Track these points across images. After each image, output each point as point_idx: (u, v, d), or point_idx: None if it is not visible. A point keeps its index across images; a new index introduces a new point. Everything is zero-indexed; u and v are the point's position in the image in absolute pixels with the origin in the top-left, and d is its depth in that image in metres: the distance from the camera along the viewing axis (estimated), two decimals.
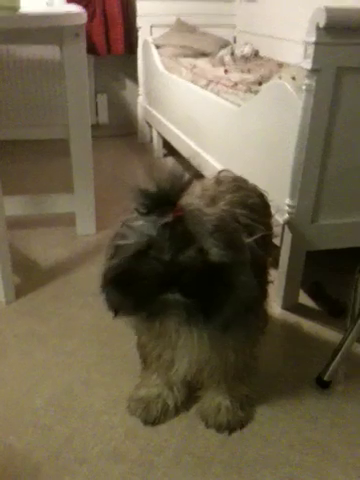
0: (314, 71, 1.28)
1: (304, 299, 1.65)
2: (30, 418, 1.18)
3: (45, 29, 1.65)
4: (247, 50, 2.65)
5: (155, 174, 0.85)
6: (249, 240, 0.95)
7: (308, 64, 1.27)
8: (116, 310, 0.93)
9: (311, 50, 1.26)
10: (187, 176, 0.86)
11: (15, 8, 1.50)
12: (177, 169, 0.86)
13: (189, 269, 0.81)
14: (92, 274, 1.72)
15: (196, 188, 1.22)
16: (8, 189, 1.65)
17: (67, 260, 1.89)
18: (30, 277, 1.77)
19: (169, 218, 0.82)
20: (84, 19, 1.70)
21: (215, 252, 0.83)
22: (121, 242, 0.87)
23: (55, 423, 1.17)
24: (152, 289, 0.83)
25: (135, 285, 0.85)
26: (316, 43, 1.24)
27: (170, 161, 3.07)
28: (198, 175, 1.56)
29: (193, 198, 0.95)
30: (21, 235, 2.05)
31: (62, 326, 1.51)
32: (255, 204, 1.17)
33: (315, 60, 1.26)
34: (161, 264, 0.81)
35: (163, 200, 0.82)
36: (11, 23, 1.48)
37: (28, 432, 1.14)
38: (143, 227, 0.84)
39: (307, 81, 1.30)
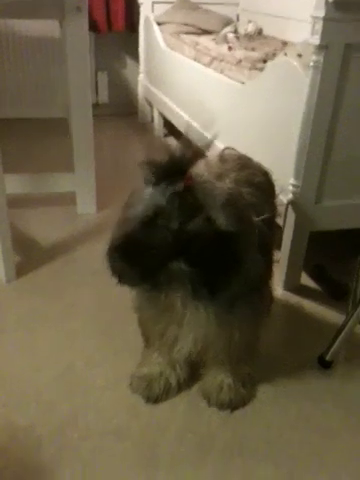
0: (322, 47, 1.25)
1: (306, 281, 1.65)
2: (33, 395, 1.18)
3: (46, 1, 1.61)
4: (251, 28, 2.60)
5: (165, 146, 0.84)
6: (257, 219, 0.94)
7: (316, 40, 1.25)
8: (120, 277, 0.92)
9: (319, 26, 1.23)
10: (197, 146, 0.84)
11: None
12: (187, 139, 0.85)
13: (197, 238, 0.80)
14: (93, 253, 1.70)
15: (200, 165, 1.20)
16: (8, 167, 1.62)
17: (68, 239, 1.88)
18: (30, 256, 1.76)
19: (179, 187, 0.81)
20: None
21: (223, 223, 0.82)
22: (130, 208, 0.86)
23: (58, 400, 1.17)
24: (159, 257, 0.83)
25: (141, 253, 0.84)
26: (324, 18, 1.22)
27: (171, 141, 3.04)
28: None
29: (203, 170, 0.93)
30: (21, 214, 2.03)
31: (63, 305, 1.50)
32: (261, 183, 1.15)
33: (323, 36, 1.23)
34: (169, 232, 0.81)
35: (173, 169, 0.81)
36: None
37: (31, 408, 1.14)
38: (152, 196, 0.83)
39: (314, 57, 1.27)
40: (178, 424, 1.12)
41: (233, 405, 1.14)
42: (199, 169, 1.06)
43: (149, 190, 0.84)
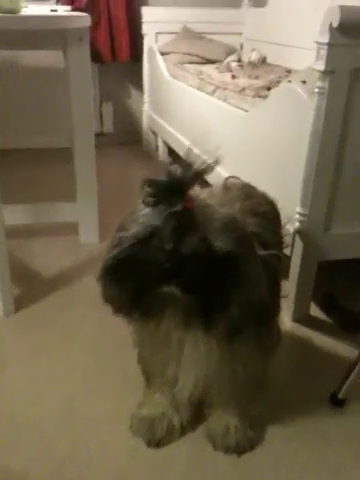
0: (327, 73, 1.22)
1: (316, 312, 1.58)
2: (29, 434, 1.12)
3: (48, 32, 1.62)
4: (255, 56, 2.61)
5: (165, 165, 0.80)
6: (264, 253, 0.89)
7: (321, 66, 1.22)
8: (112, 304, 0.87)
9: (324, 51, 1.21)
10: (199, 165, 0.80)
11: (15, 10, 1.46)
12: (189, 158, 0.81)
13: (191, 259, 0.75)
14: (95, 284, 1.65)
15: (202, 195, 1.17)
16: (10, 198, 1.60)
17: (70, 270, 1.83)
18: (31, 288, 1.71)
19: (177, 208, 0.76)
20: (88, 22, 1.65)
21: (222, 245, 0.78)
22: (123, 233, 0.82)
23: (55, 440, 1.10)
24: (150, 279, 0.78)
25: (132, 276, 0.79)
26: (329, 44, 1.19)
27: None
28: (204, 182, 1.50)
29: (205, 195, 0.89)
30: (23, 244, 1.99)
31: (63, 338, 1.45)
32: (266, 212, 1.11)
33: (328, 61, 1.21)
34: (162, 252, 0.76)
35: (173, 189, 0.77)
36: (14, 24, 1.44)
37: (25, 450, 1.08)
38: (148, 217, 0.79)
39: (320, 83, 1.24)
40: (182, 468, 1.04)
41: (240, 449, 1.07)
42: (200, 194, 1.03)
43: (145, 211, 0.80)
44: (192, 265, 0.76)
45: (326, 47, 1.20)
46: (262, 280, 0.84)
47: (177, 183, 0.77)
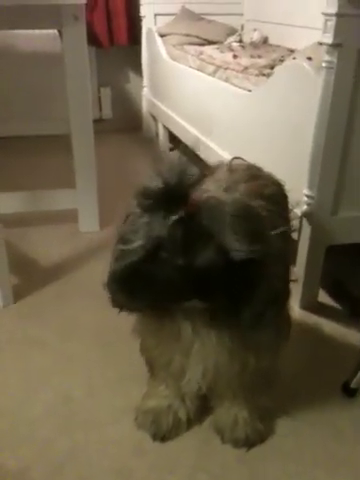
0: (335, 46, 1.16)
1: (324, 298, 1.53)
2: (26, 431, 1.07)
3: (42, 9, 1.56)
4: (256, 36, 2.53)
5: (161, 167, 0.73)
6: (272, 233, 0.84)
7: (329, 38, 1.16)
8: (123, 308, 0.83)
9: (332, 23, 1.14)
10: (197, 169, 0.74)
11: None
12: (185, 160, 0.74)
13: (208, 273, 0.69)
14: (96, 273, 1.58)
15: (206, 193, 1.11)
16: (8, 185, 1.55)
17: (69, 258, 1.78)
18: (30, 277, 1.66)
19: (181, 214, 0.69)
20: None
21: (237, 247, 0.71)
22: (128, 240, 0.75)
23: (54, 436, 1.06)
24: (165, 297, 0.72)
25: (146, 289, 0.74)
26: (338, 15, 1.13)
27: (176, 155, 2.96)
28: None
29: (208, 185, 0.83)
30: (21, 233, 1.94)
31: (63, 329, 1.40)
32: (273, 195, 1.05)
33: (336, 34, 1.14)
34: (175, 269, 0.69)
35: (171, 197, 0.70)
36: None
37: (24, 447, 1.03)
38: (150, 226, 0.72)
39: (327, 58, 1.18)
40: (189, 463, 1.00)
41: (250, 442, 1.02)
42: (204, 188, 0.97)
43: (145, 219, 0.73)
44: (209, 278, 0.70)
45: (334, 18, 1.13)
46: (279, 273, 0.79)
47: (175, 190, 0.70)
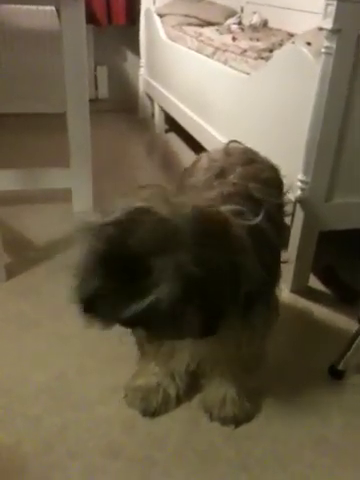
0: (335, 32, 1.15)
1: (314, 283, 1.55)
2: (19, 408, 1.08)
3: None
4: (256, 19, 2.51)
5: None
6: (259, 219, 0.84)
7: (328, 24, 1.15)
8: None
9: (332, 8, 1.14)
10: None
11: None
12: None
13: (152, 314, 0.67)
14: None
15: (203, 160, 1.11)
16: (1, 163, 1.54)
17: (63, 238, 1.78)
18: (23, 256, 1.66)
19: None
20: None
21: (200, 263, 0.66)
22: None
23: (46, 414, 1.07)
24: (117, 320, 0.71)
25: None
26: (338, 0, 1.12)
27: (171, 137, 2.95)
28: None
29: (193, 173, 0.82)
30: (14, 211, 1.94)
31: (56, 308, 1.41)
32: (269, 179, 1.06)
33: (336, 19, 1.14)
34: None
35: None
36: None
37: (16, 423, 1.05)
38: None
39: (326, 43, 1.17)
40: (177, 440, 1.02)
41: (237, 420, 1.05)
42: (201, 166, 0.96)
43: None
44: (150, 313, 0.67)
45: (335, 3, 1.13)
46: (259, 274, 0.78)
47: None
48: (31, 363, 1.21)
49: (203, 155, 1.14)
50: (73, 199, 1.96)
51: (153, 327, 0.71)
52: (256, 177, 0.99)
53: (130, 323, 0.71)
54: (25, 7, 2.93)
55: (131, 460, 0.98)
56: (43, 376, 1.17)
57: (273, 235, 0.93)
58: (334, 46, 1.17)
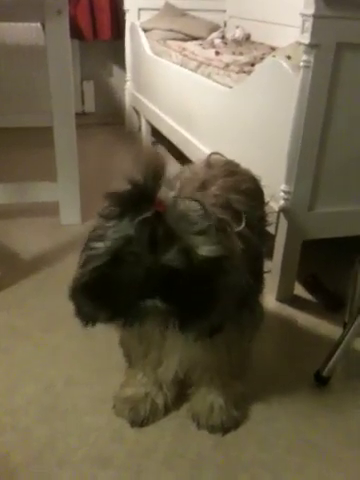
0: (312, 46, 1.19)
1: (300, 291, 1.57)
2: (8, 420, 1.09)
3: (26, 3, 1.56)
4: (239, 33, 2.56)
5: (133, 166, 0.75)
6: (241, 227, 0.87)
7: (306, 39, 1.19)
8: (87, 319, 0.83)
9: (309, 23, 1.18)
10: (161, 164, 0.74)
11: None
12: (150, 158, 0.75)
13: (172, 273, 0.71)
14: (77, 266, 1.62)
15: (185, 172, 1.14)
16: None
17: (50, 251, 1.80)
18: (11, 269, 1.67)
19: (148, 214, 0.71)
20: None
21: (202, 249, 0.73)
22: (94, 245, 0.76)
23: (35, 425, 1.08)
24: (130, 296, 0.74)
25: (111, 294, 0.75)
26: (314, 16, 1.16)
27: (159, 149, 2.97)
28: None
29: (176, 185, 0.85)
30: (2, 225, 1.95)
31: (44, 320, 1.42)
32: (249, 189, 1.09)
33: (314, 34, 1.18)
34: (141, 268, 0.71)
35: (139, 197, 0.72)
36: None
37: (6, 434, 1.05)
38: (117, 228, 0.73)
39: (305, 57, 1.21)
40: (166, 448, 1.03)
41: (225, 428, 1.06)
42: (183, 177, 0.99)
43: (111, 223, 0.74)
44: (174, 279, 0.72)
45: (311, 19, 1.17)
46: (245, 280, 0.81)
47: (143, 191, 0.72)
48: (20, 374, 1.22)
49: (185, 167, 1.16)
50: (60, 212, 1.97)
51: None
52: (237, 188, 1.02)
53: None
54: (11, 23, 2.96)
55: (121, 469, 0.99)
56: (32, 387, 1.18)
57: (256, 243, 0.95)
58: (312, 60, 1.21)
